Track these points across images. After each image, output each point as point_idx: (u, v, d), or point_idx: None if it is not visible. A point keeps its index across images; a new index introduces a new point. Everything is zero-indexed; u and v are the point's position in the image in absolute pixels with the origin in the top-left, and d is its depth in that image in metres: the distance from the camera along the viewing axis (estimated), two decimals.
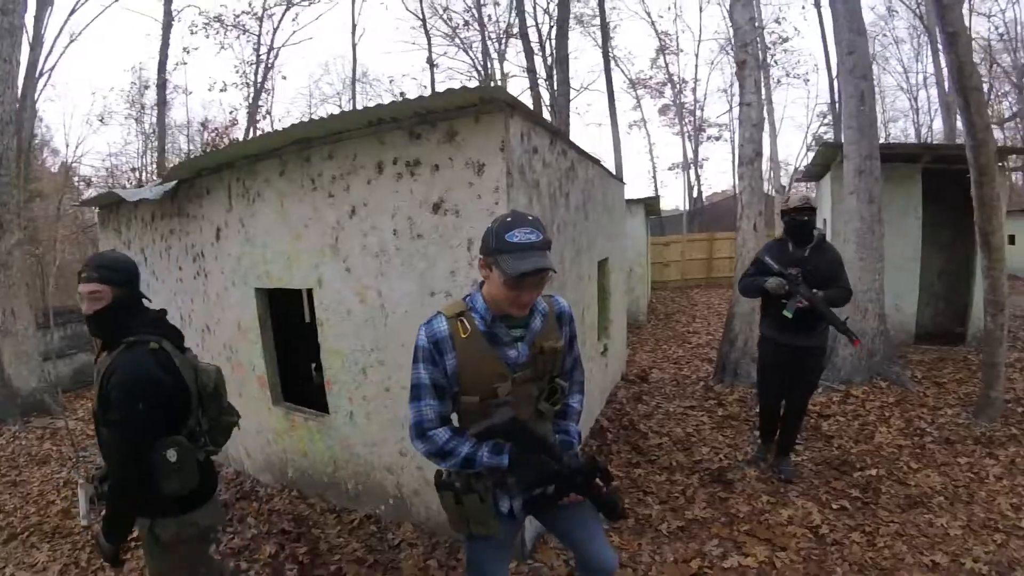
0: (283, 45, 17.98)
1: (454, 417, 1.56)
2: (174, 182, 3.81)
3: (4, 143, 6.14)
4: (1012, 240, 16.14)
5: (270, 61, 16.53)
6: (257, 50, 16.16)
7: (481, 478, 1.49)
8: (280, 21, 16.65)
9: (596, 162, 4.44)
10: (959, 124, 4.21)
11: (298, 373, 4.31)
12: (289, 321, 3.91)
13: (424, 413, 1.47)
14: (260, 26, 16.26)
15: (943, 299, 7.87)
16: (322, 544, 2.99)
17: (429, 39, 18.79)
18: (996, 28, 20.50)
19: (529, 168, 2.62)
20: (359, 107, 2.68)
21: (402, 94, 21.40)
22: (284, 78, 29.52)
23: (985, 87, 20.71)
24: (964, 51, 3.94)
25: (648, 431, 4.44)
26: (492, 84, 18.39)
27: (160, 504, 1.72)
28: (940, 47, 4.77)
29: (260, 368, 3.44)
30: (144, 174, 16.38)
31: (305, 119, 2.85)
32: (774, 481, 3.52)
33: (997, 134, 21.54)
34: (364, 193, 2.77)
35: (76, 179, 16.85)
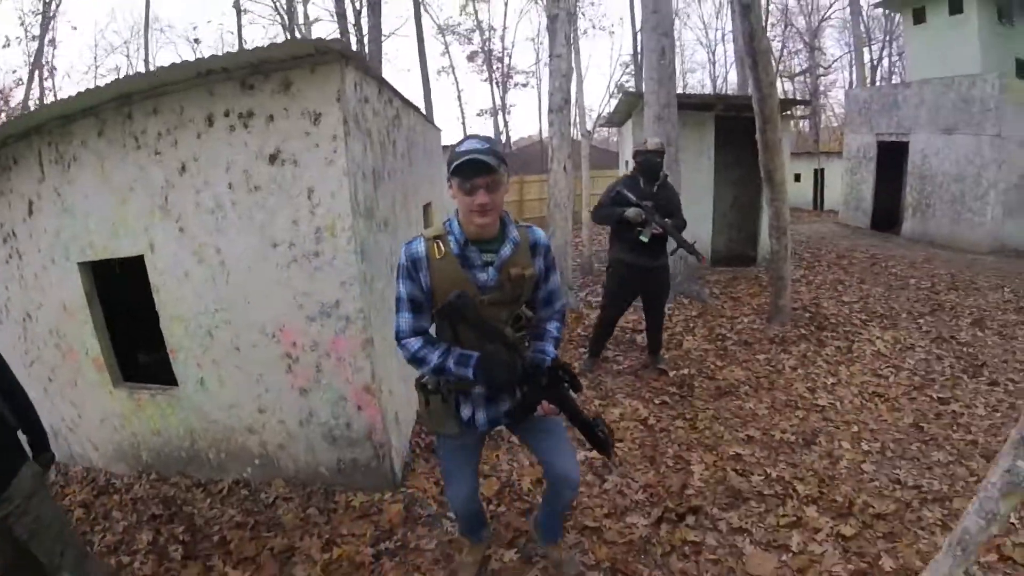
0: None
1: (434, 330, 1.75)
2: None
3: None
4: (797, 178, 19.22)
5: (54, 9, 14.49)
6: None
7: (448, 383, 1.70)
8: None
9: (417, 110, 4.61)
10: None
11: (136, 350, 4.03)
12: (121, 296, 3.61)
13: (400, 324, 1.65)
14: None
15: (736, 227, 9.48)
16: (197, 519, 2.90)
17: None
18: None
19: (362, 117, 2.70)
20: (151, 55, 2.59)
21: (197, 40, 20.01)
22: (74, 28, 25.83)
23: (779, 46, 24.15)
24: (756, 20, 4.69)
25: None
26: (297, 26, 17.84)
27: None
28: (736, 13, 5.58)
29: (94, 350, 3.17)
30: None
31: (91, 73, 2.66)
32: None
33: (788, 86, 25.13)
34: (194, 148, 2.66)
35: None
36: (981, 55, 12.04)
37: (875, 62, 23.88)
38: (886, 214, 12.62)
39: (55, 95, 16.93)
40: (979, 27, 12.18)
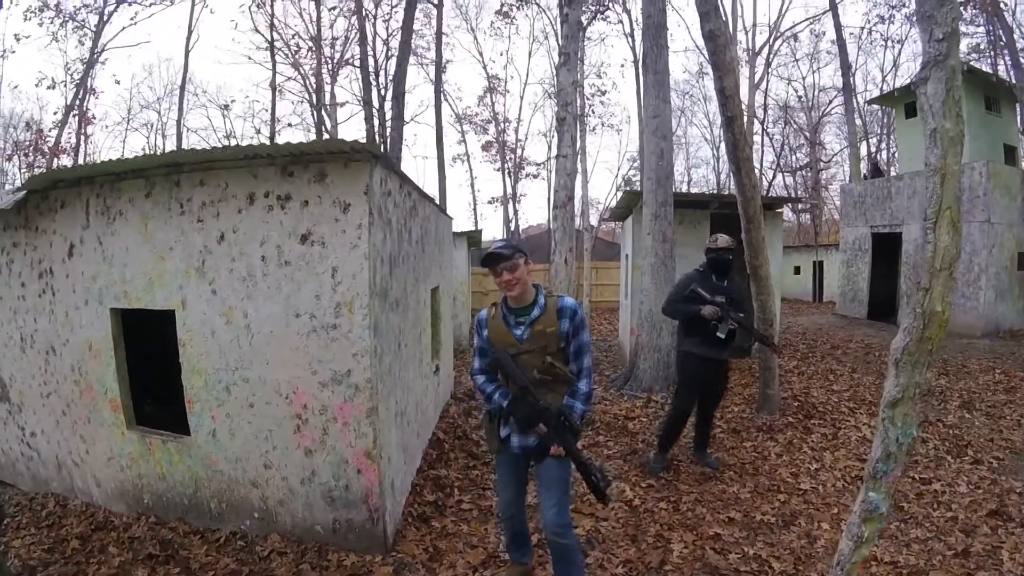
0: (109, 44, 16.52)
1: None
2: (24, 192, 3.62)
3: None
4: (797, 271, 19.75)
5: (98, 59, 15.25)
6: (92, 46, 14.78)
7: (498, 411, 2.37)
8: (111, 15, 15.43)
9: (431, 201, 4.97)
10: None
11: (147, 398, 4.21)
12: (144, 345, 3.83)
13: (473, 364, 2.48)
14: (99, 20, 14.95)
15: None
16: (193, 564, 2.99)
17: (274, 63, 18.64)
18: (795, 92, 25.64)
19: (385, 209, 3.01)
20: (184, 115, 2.90)
21: (227, 107, 20.90)
22: (118, 82, 26.82)
23: (781, 141, 25.08)
24: (739, 131, 5.17)
25: (480, 440, 4.91)
26: (324, 106, 18.68)
27: None
28: (722, 126, 6.11)
29: (113, 391, 3.37)
30: None
31: (123, 125, 2.99)
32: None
33: (789, 180, 26.04)
34: (234, 220, 2.95)
35: None
36: (970, 144, 12.36)
37: (873, 156, 24.68)
38: (883, 304, 12.85)
39: (86, 140, 17.58)
40: (968, 117, 12.62)
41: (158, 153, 3.04)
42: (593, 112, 22.40)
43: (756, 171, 5.40)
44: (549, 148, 26.52)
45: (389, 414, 3.10)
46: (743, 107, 5.24)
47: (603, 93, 23.16)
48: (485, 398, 2.42)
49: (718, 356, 4.00)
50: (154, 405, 3.99)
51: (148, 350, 3.81)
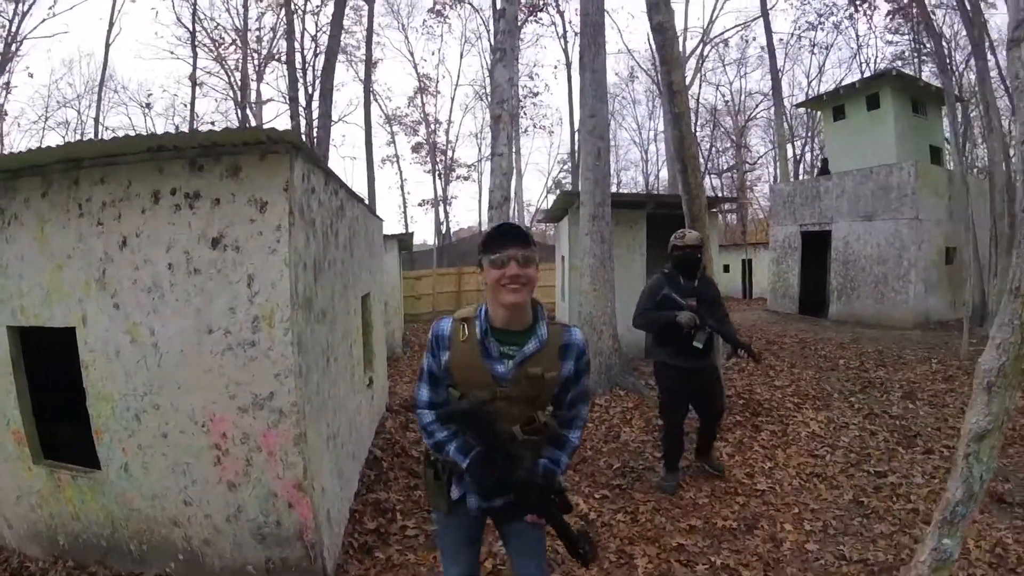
0: (28, 35, 15.69)
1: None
2: None
3: None
4: (727, 269, 20.52)
5: (15, 52, 14.54)
6: (6, 38, 14.05)
7: (445, 461, 1.65)
8: (31, 6, 14.69)
9: (361, 201, 4.62)
10: None
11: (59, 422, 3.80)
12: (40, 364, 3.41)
13: (419, 393, 1.69)
14: (14, 9, 14.20)
15: None
16: None
17: (195, 55, 17.94)
18: (723, 96, 26.81)
19: (308, 207, 2.64)
20: (103, 113, 2.53)
21: (148, 105, 20.30)
22: (31, 75, 25.68)
23: (708, 145, 26.16)
24: (686, 127, 5.06)
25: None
26: (249, 104, 18.16)
27: None
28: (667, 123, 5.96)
29: (15, 421, 2.96)
30: None
31: (40, 124, 2.59)
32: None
33: (716, 182, 27.04)
34: (138, 223, 2.56)
35: None
36: (897, 146, 12.95)
37: (798, 157, 25.86)
38: (812, 299, 13.36)
39: (2, 140, 16.81)
40: (895, 120, 13.16)
41: (53, 146, 2.62)
42: (525, 114, 22.47)
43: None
44: (480, 150, 26.51)
45: (320, 439, 2.74)
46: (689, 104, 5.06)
47: (536, 95, 23.21)
48: (432, 445, 1.66)
49: (698, 365, 3.59)
50: (72, 430, 3.58)
51: (63, 368, 3.38)
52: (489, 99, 6.95)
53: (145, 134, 2.49)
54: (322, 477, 2.75)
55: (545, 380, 1.55)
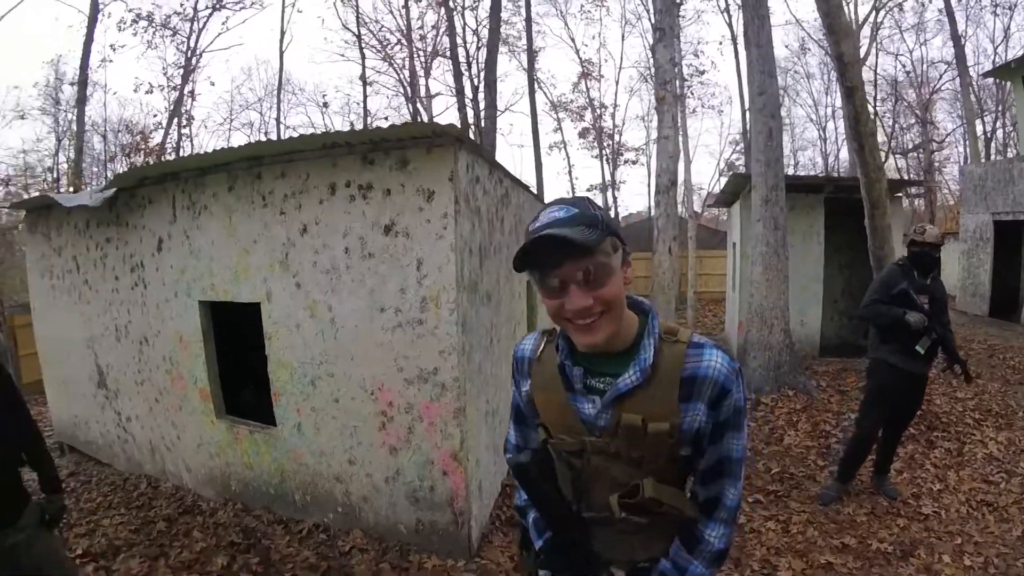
0: (207, 48, 17.31)
1: None
2: (113, 190, 3.73)
3: None
4: None
5: (195, 64, 15.96)
6: (186, 53, 15.52)
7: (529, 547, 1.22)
8: (206, 23, 16.11)
9: (526, 188, 4.74)
10: None
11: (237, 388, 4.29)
12: (230, 336, 3.88)
13: (508, 435, 1.26)
14: (191, 27, 15.68)
15: (846, 314, 8.68)
16: (273, 554, 3.02)
17: (363, 56, 18.87)
18: (903, 67, 23.10)
19: (472, 196, 2.84)
20: (283, 114, 2.86)
21: (325, 104, 21.33)
22: (212, 84, 28.36)
23: (891, 121, 23.09)
24: (860, 103, 4.58)
25: None
26: (419, 99, 18.70)
27: None
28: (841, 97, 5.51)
29: (203, 381, 3.43)
30: (59, 174, 15.33)
31: (226, 126, 2.95)
32: None
33: (901, 163, 23.83)
34: (316, 212, 2.89)
35: None
36: None
37: (988, 134, 22.18)
38: (1005, 300, 11.50)
39: (192, 142, 18.67)
40: None
41: (238, 146, 3.00)
42: (692, 93, 21.48)
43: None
44: (647, 133, 25.62)
45: (478, 414, 2.98)
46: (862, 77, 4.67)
47: (701, 73, 22.11)
48: (515, 507, 1.27)
49: (917, 370, 3.41)
50: (256, 393, 4.04)
51: (242, 340, 3.84)
52: (653, 80, 6.89)
53: (319, 133, 2.80)
54: (477, 450, 3.00)
55: (649, 435, 0.96)
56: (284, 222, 2.98)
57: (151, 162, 13.04)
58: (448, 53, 16.54)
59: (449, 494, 2.84)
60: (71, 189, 11.69)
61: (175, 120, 15.48)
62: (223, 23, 17.08)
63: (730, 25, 21.35)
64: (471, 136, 2.85)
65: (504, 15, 14.55)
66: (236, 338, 3.74)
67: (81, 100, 13.40)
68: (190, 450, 3.72)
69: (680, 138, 7.59)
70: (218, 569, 2.90)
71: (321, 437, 3.05)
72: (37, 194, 8.69)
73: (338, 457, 3.04)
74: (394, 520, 3.02)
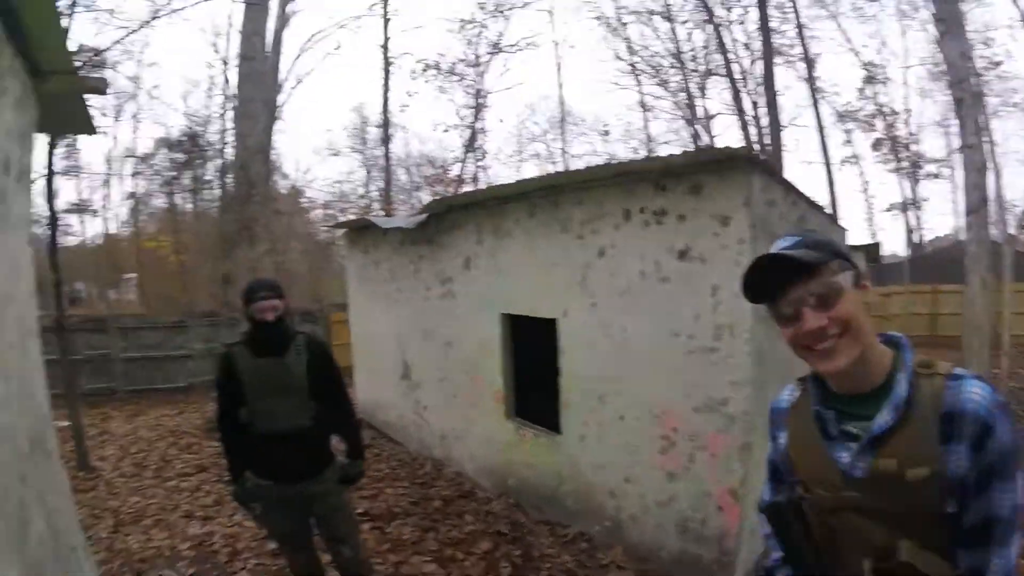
0: (492, 90, 19.96)
1: None
2: (426, 215, 4.59)
3: (256, 169, 7.47)
4: None
5: (483, 103, 18.47)
6: (474, 94, 18.14)
7: None
8: (487, 65, 18.49)
9: (821, 211, 4.30)
10: None
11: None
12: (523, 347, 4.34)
13: (763, 492, 1.17)
14: (475, 71, 18.27)
15: None
16: (534, 551, 3.24)
17: (639, 83, 19.30)
18: None
19: (768, 220, 2.71)
20: (568, 146, 3.06)
21: (606, 132, 22.40)
22: (501, 121, 32.94)
23: None
24: None
25: None
26: (698, 119, 18.34)
27: None
28: None
29: (498, 384, 3.95)
30: (370, 201, 19.37)
31: (515, 158, 3.32)
32: None
33: None
34: (612, 237, 3.09)
35: (304, 200, 20.52)
36: None
37: None
38: None
39: (486, 172, 21.99)
40: None
41: (537, 176, 3.41)
42: (992, 90, 17.33)
43: None
44: (947, 140, 21.53)
45: (763, 453, 2.77)
46: None
47: (997, 65, 17.67)
48: (764, 569, 1.15)
49: None
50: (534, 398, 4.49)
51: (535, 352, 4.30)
52: (946, 79, 5.96)
53: (613, 162, 2.99)
54: (758, 491, 2.79)
55: (907, 482, 0.84)
56: (582, 246, 3.26)
57: (451, 192, 15.35)
58: (723, 71, 16.04)
59: (721, 530, 2.69)
60: (383, 213, 14.67)
61: (469, 154, 18.17)
62: (504, 65, 19.41)
63: (1015, 2, 16.29)
64: (763, 158, 2.73)
65: (773, 23, 13.41)
66: (528, 349, 4.18)
67: (385, 139, 16.67)
68: (477, 443, 4.30)
69: (986, 145, 6.18)
70: (481, 552, 3.20)
71: (602, 451, 3.21)
72: (355, 217, 11.11)
73: (615, 473, 3.15)
74: (658, 545, 2.98)
